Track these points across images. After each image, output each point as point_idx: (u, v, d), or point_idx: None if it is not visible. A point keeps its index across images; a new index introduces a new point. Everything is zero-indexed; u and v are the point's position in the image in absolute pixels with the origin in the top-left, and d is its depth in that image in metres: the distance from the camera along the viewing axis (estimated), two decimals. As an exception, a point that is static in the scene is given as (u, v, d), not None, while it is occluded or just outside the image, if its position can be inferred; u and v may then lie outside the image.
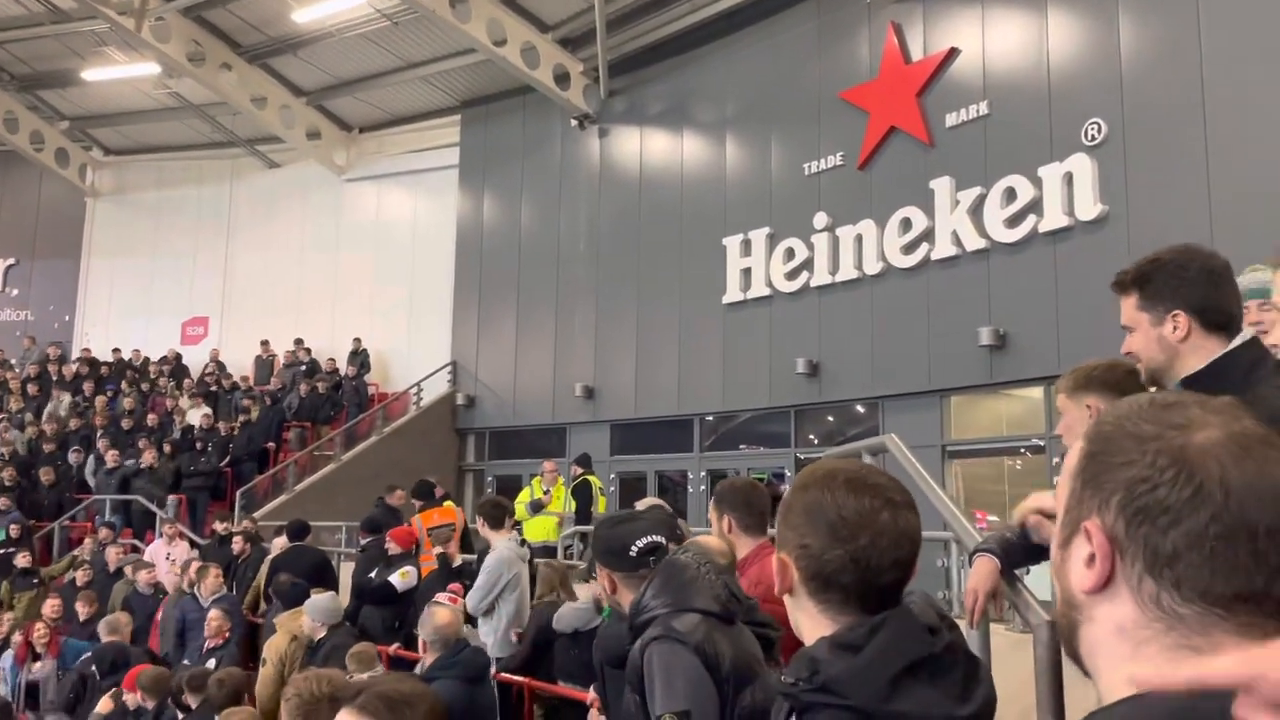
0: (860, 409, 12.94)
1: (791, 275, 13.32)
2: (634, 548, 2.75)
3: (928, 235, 11.89)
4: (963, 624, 2.90)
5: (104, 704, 6.96)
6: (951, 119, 11.91)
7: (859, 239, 12.59)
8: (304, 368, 17.54)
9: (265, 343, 18.39)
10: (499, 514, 6.62)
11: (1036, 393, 11.07)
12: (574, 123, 16.39)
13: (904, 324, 12.00)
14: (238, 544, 9.76)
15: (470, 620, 6.14)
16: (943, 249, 11.73)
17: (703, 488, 14.21)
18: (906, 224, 12.10)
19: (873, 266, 12.40)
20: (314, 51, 17.39)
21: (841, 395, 12.83)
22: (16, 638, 9.71)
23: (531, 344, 16.65)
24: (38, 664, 9.33)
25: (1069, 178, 10.68)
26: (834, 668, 1.37)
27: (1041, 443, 10.96)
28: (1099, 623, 0.87)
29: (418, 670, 4.56)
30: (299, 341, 18.03)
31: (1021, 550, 2.58)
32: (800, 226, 13.23)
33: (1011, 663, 3.61)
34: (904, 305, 12.06)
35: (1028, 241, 11.01)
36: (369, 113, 18.99)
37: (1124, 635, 0.85)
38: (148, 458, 14.02)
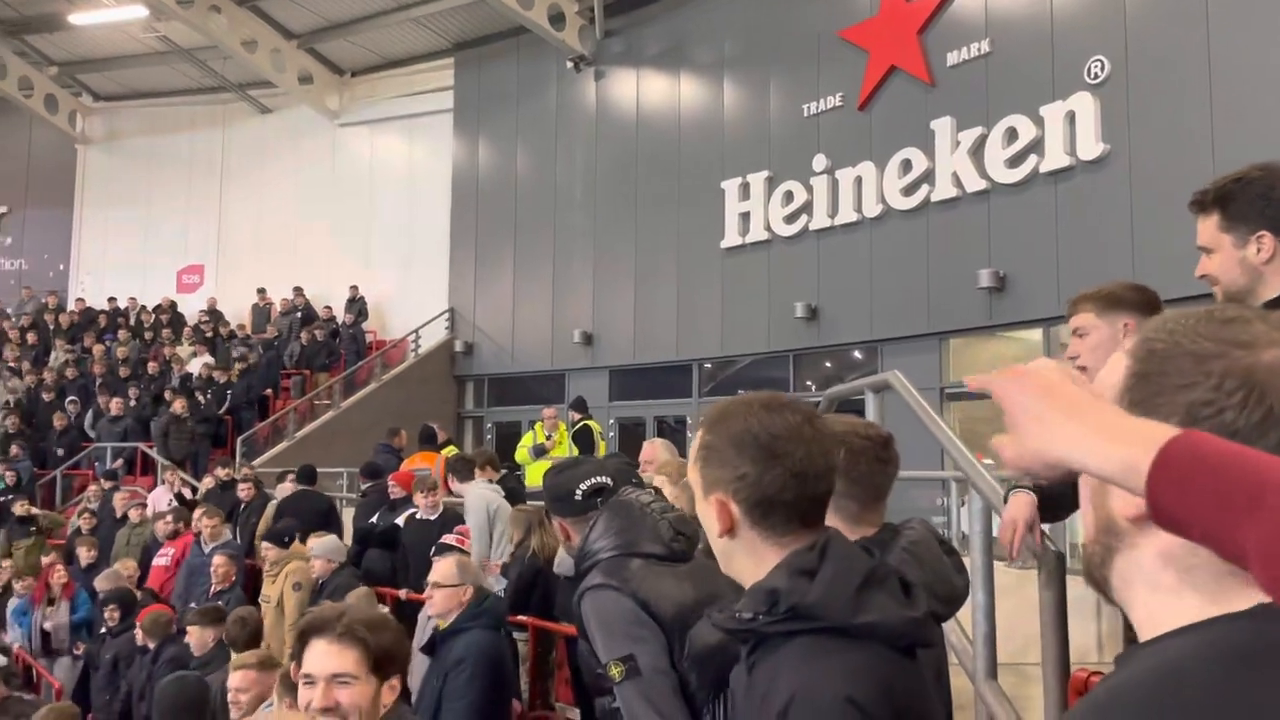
0: (859, 353, 12.95)
1: (790, 219, 13.24)
2: (578, 491, 2.72)
3: (928, 177, 11.80)
4: (998, 563, 2.92)
5: None
6: (953, 57, 11.75)
7: (858, 181, 12.50)
8: (301, 315, 17.49)
9: (262, 290, 18.31)
10: (466, 467, 6.62)
11: (1036, 334, 11.07)
12: (569, 65, 16.16)
13: (903, 267, 11.96)
14: (245, 489, 9.82)
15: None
16: (943, 190, 11.64)
17: (702, 432, 14.26)
18: (906, 165, 12.00)
19: (872, 209, 12.32)
20: (304, -7, 17.10)
21: (840, 339, 12.83)
22: (18, 585, 9.78)
23: (529, 290, 16.60)
24: (51, 608, 9.43)
25: (1071, 117, 10.57)
26: (797, 593, 1.38)
27: (1040, 384, 10.97)
28: (1141, 549, 0.85)
29: (429, 615, 4.56)
30: (297, 289, 17.96)
31: (1053, 498, 2.57)
32: (799, 169, 13.11)
33: (1016, 598, 3.64)
34: (904, 248, 12.00)
35: (1029, 182, 10.93)
36: (361, 56, 18.71)
37: (1170, 562, 0.83)
38: (179, 407, 13.98)
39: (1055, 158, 10.65)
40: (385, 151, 18.85)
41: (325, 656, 2.32)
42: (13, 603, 9.80)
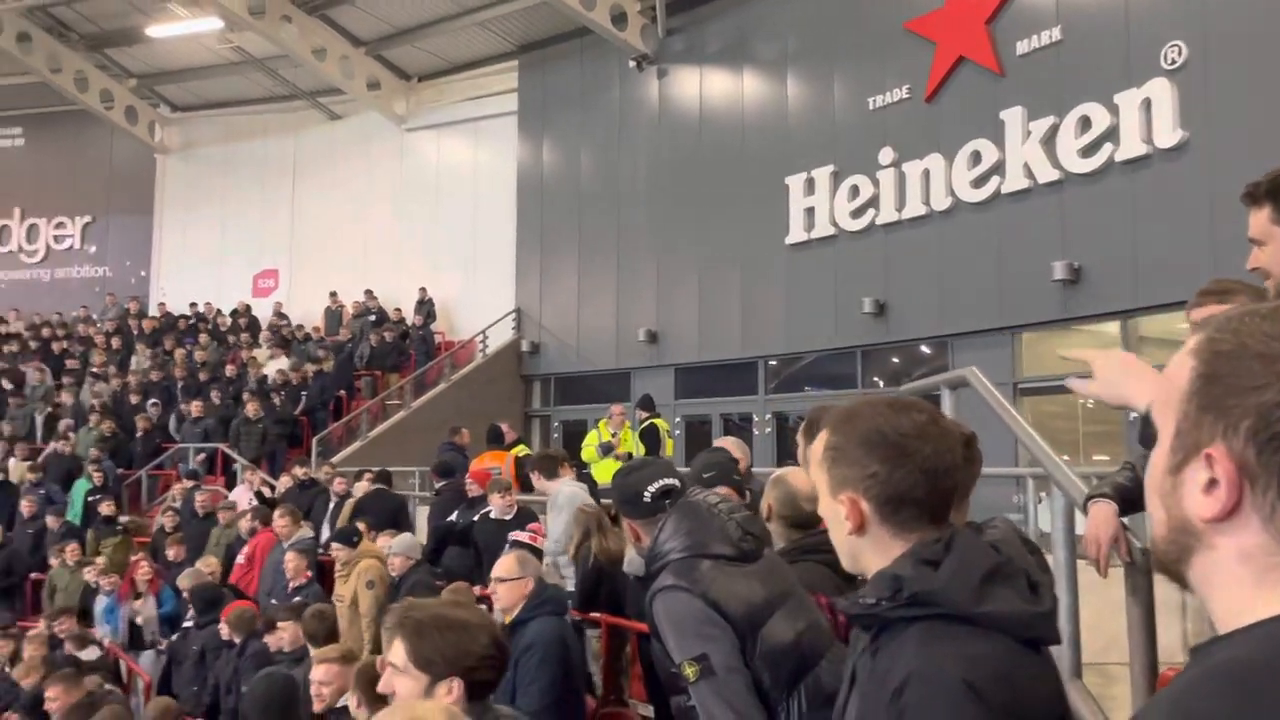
0: (927, 349, 12.78)
1: (857, 213, 13.12)
2: (647, 493, 2.74)
3: (998, 168, 11.60)
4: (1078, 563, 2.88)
5: None
6: (1022, 46, 11.53)
7: (926, 174, 12.33)
8: (373, 317, 17.83)
9: (334, 293, 18.70)
10: (551, 464, 6.70)
11: (1113, 327, 10.82)
12: (632, 64, 16.20)
13: (973, 260, 11.77)
14: (340, 485, 10.11)
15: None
16: (1014, 182, 11.44)
17: (768, 430, 14.22)
18: (976, 157, 11.80)
19: (941, 202, 12.15)
20: (372, 0, 17.39)
21: (909, 334, 12.67)
22: (105, 582, 10.12)
23: (594, 289, 16.69)
24: (138, 601, 9.75)
25: (1147, 104, 10.30)
26: (920, 580, 1.42)
27: (1117, 379, 10.72)
28: (1220, 550, 0.85)
29: (498, 610, 4.66)
30: (368, 292, 18.31)
31: (1136, 494, 2.53)
32: (865, 163, 12.98)
33: (1099, 596, 3.58)
34: (973, 241, 11.82)
35: (1104, 171, 10.68)
36: (427, 61, 18.98)
37: (1249, 562, 0.83)
38: (251, 410, 14.39)
39: (1131, 146, 10.39)
40: (451, 155, 19.10)
41: (392, 646, 2.44)
42: (101, 600, 10.16)
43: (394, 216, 18.95)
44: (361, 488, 9.62)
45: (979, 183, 11.77)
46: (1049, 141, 11.13)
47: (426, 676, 2.39)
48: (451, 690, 2.41)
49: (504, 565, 4.56)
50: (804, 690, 2.51)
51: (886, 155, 12.75)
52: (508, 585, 4.48)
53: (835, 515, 1.54)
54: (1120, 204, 10.50)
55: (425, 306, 17.78)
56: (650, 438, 10.56)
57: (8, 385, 16.89)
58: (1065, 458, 3.08)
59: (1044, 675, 1.45)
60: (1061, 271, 10.77)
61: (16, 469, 13.82)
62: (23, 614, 11.05)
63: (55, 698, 6.46)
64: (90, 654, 8.53)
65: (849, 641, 1.70)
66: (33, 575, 11.52)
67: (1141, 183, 10.39)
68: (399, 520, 8.82)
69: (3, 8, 18.16)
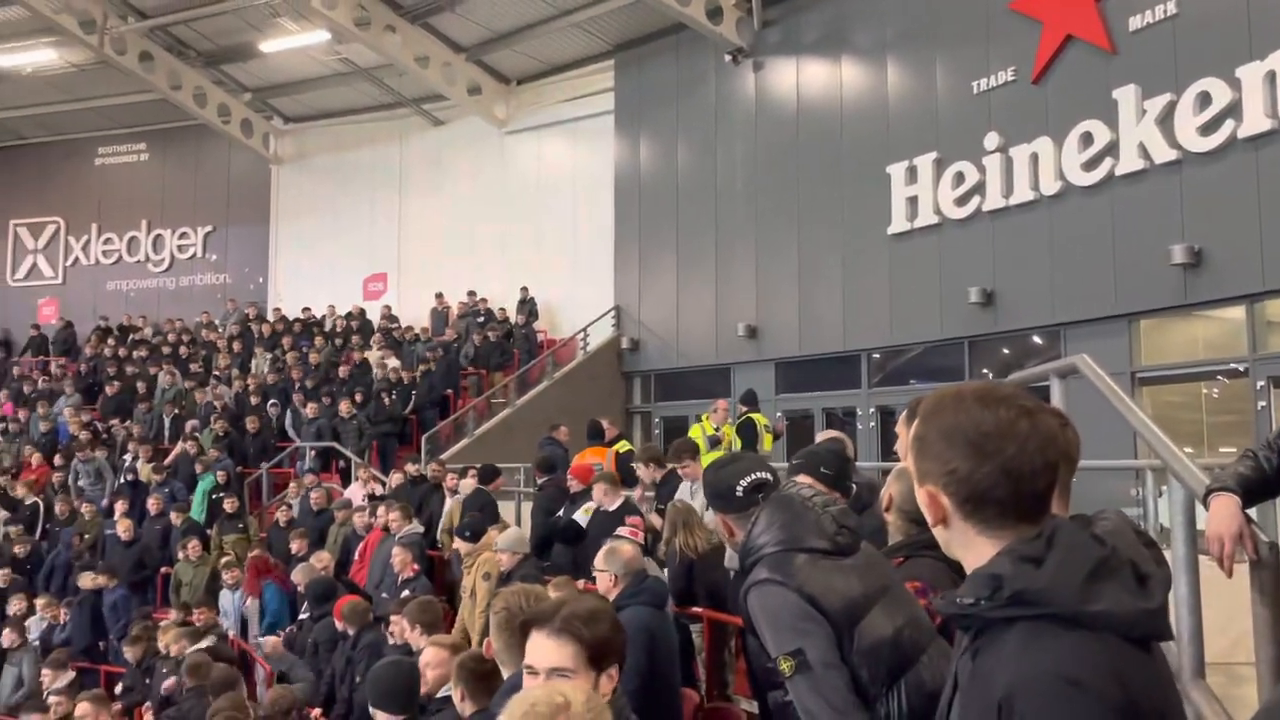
0: (1039, 339, 12.38)
1: (961, 201, 12.80)
2: (739, 487, 2.72)
3: (1111, 149, 11.16)
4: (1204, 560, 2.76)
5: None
6: (1135, 22, 11.07)
7: (1034, 158, 11.95)
8: (478, 318, 18.21)
9: (439, 295, 19.15)
10: (678, 458, 6.75)
11: (1237, 312, 10.30)
12: (728, 58, 16.14)
13: (1086, 246, 11.36)
14: (451, 481, 10.39)
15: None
16: (1128, 163, 10.99)
17: (872, 424, 13.99)
18: (1087, 139, 11.39)
19: (1050, 186, 11.76)
20: (471, 6, 17.73)
21: (1019, 324, 12.31)
22: (228, 575, 10.59)
23: (693, 285, 16.69)
24: (249, 600, 10.18)
25: (1271, 77, 9.78)
26: (1021, 579, 1.35)
27: (1243, 367, 10.21)
28: None
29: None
30: (471, 293, 18.71)
31: (1261, 484, 2.41)
32: (970, 149, 12.65)
33: (1222, 592, 3.42)
34: (1086, 226, 11.40)
35: (1225, 149, 10.18)
36: (526, 64, 19.26)
37: None
38: (344, 408, 14.92)
39: (1255, 122, 9.87)
40: (550, 156, 19.34)
41: (545, 650, 2.40)
42: (224, 592, 10.64)
43: (496, 218, 19.28)
44: (467, 484, 9.83)
45: (1091, 165, 11.35)
46: (1165, 120, 10.65)
47: (594, 672, 2.39)
48: (613, 677, 2.45)
49: (597, 559, 4.89)
50: (904, 687, 2.46)
51: (992, 140, 12.40)
52: (598, 576, 4.79)
53: (922, 504, 1.50)
54: (1243, 183, 9.99)
55: (527, 306, 18.07)
56: (747, 432, 10.51)
57: (136, 389, 17.80)
58: (1188, 450, 2.94)
59: (1156, 675, 1.37)
60: (1181, 255, 10.31)
61: (144, 469, 14.57)
62: (154, 605, 11.64)
63: (84, 715, 6.89)
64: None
65: (953, 639, 1.65)
66: (162, 569, 12.12)
67: (1266, 160, 9.86)
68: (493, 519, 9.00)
69: (126, 29, 19.13)
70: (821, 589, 2.47)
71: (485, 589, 7.14)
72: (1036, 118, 11.95)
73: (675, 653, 4.81)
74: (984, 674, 1.37)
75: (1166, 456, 2.76)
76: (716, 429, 10.39)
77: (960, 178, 12.79)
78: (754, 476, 2.73)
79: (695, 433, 10.46)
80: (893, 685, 2.45)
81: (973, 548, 1.45)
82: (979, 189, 12.59)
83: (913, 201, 13.40)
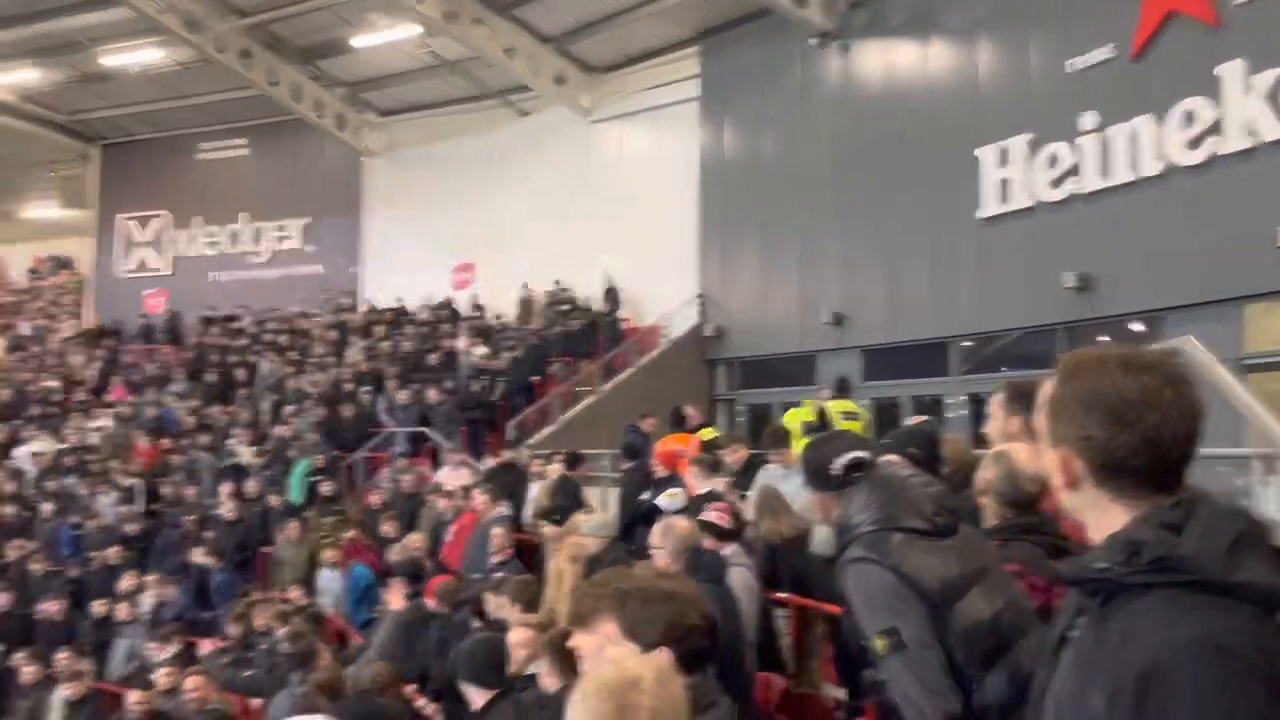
0: (1138, 325, 11.99)
1: (1056, 183, 12.45)
2: (835, 466, 2.72)
3: (1215, 128, 10.73)
4: None
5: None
6: (1243, -7, 10.61)
7: (1133, 138, 11.55)
8: (563, 306, 18.41)
9: (525, 284, 19.41)
10: (778, 442, 6.76)
11: (1354, 297, 9.82)
12: (813, 42, 15.95)
13: (1190, 227, 10.94)
14: (537, 466, 10.58)
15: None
16: (1234, 141, 10.55)
17: (962, 412, 13.73)
18: (1189, 117, 10.96)
19: (1150, 167, 11.36)
20: (556, -3, 17.90)
21: (1117, 310, 11.93)
22: (325, 555, 10.94)
23: (777, 272, 16.58)
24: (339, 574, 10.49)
25: (1394, 47, 9.27)
26: (1164, 545, 1.33)
27: (1360, 352, 9.74)
28: None
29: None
30: (557, 281, 18.91)
31: None
32: (1064, 129, 12.29)
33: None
34: (1189, 207, 10.98)
35: (1342, 125, 9.69)
36: (610, 53, 19.33)
37: None
38: (433, 395, 15.27)
39: (1375, 95, 9.38)
40: (634, 144, 19.40)
41: (595, 618, 2.47)
42: (322, 572, 10.99)
43: (581, 207, 19.43)
44: (554, 470, 9.98)
45: (1194, 144, 10.93)
46: (1275, 96, 10.19)
47: (636, 647, 2.47)
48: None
49: (652, 535, 4.93)
50: (1002, 669, 2.44)
51: (1088, 120, 12.02)
52: (654, 553, 4.81)
53: (1052, 467, 1.49)
54: (1362, 160, 9.50)
55: (612, 294, 18.19)
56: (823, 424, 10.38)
57: (237, 376, 18.49)
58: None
59: None
60: (1291, 236, 9.87)
61: (245, 453, 15.14)
62: (255, 584, 12.09)
63: (194, 689, 7.29)
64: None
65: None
66: (262, 549, 12.58)
67: (1388, 135, 9.37)
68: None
69: (226, 27, 19.79)
70: (917, 569, 2.46)
71: (572, 572, 7.25)
72: (1136, 96, 11.54)
73: (740, 628, 4.83)
74: (1116, 641, 1.35)
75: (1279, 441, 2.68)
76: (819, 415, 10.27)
77: (1054, 159, 12.44)
78: (850, 455, 2.73)
79: (794, 416, 10.37)
80: (990, 668, 2.44)
81: (1105, 514, 1.43)
82: (1074, 170, 12.23)
83: (1004, 184, 13.09)
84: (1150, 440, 1.38)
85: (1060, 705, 1.44)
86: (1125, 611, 1.35)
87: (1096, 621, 1.40)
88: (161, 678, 8.55)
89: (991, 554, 2.64)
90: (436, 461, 14.33)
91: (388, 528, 10.92)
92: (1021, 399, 3.34)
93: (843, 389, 10.74)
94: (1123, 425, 1.39)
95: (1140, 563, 1.33)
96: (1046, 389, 1.51)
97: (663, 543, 4.79)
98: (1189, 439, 1.40)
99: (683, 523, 5.10)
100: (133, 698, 7.76)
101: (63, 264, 29.39)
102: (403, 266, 21.68)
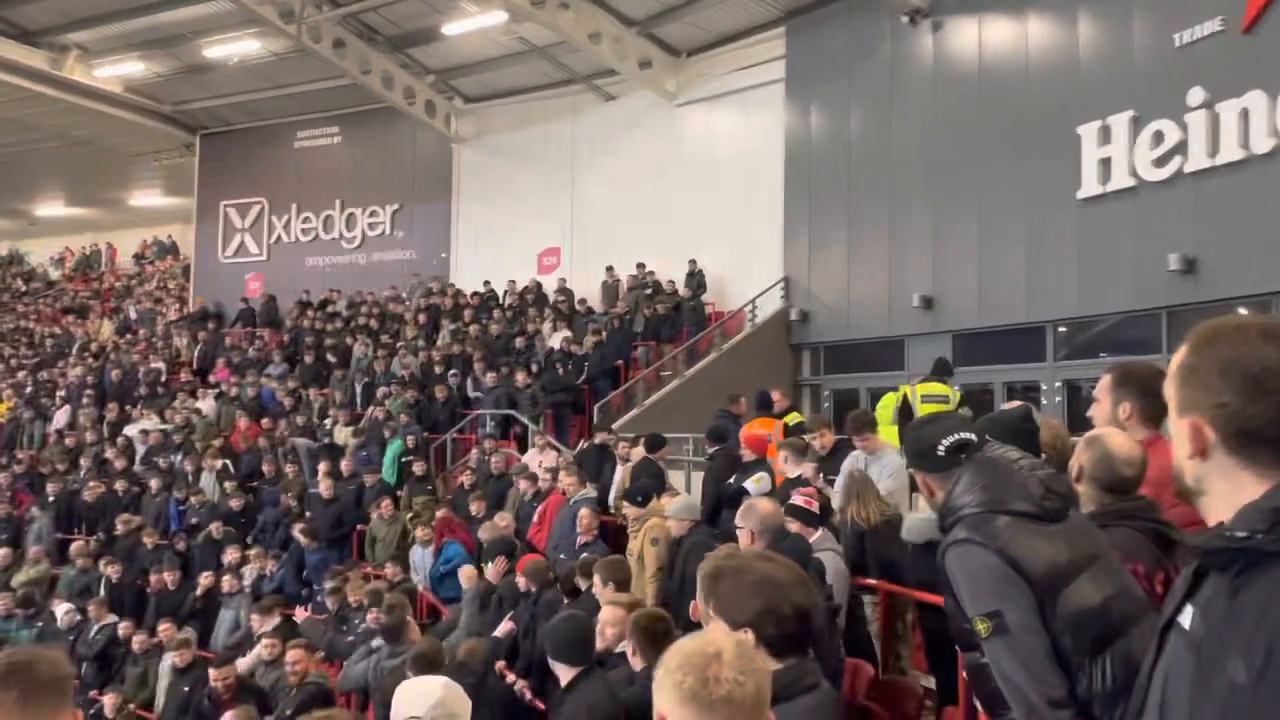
0: (1245, 309, 11.50)
1: (1160, 161, 12.00)
2: (941, 447, 2.66)
3: (1335, 102, 10.20)
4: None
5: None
6: (1367, -41, 10.05)
7: (1244, 114, 11.07)
8: (647, 290, 18.43)
9: (610, 268, 19.49)
10: (873, 426, 6.71)
11: None
12: (904, 19, 15.63)
13: (1304, 207, 10.45)
14: (622, 448, 10.69)
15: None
16: (1355, 116, 10.02)
17: (1058, 399, 13.38)
18: (1306, 91, 10.45)
19: (1262, 144, 10.87)
20: (641, -22, 17.87)
21: (1224, 293, 11.46)
22: (417, 533, 11.20)
23: (864, 255, 16.34)
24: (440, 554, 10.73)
25: None
26: None
27: None
28: None
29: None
30: (641, 265, 18.94)
31: None
32: (1170, 106, 11.83)
33: None
34: (1304, 186, 10.48)
35: None
36: (695, 35, 19.23)
37: None
38: (520, 378, 15.49)
39: None
40: (720, 127, 19.28)
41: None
42: (414, 549, 11.27)
43: (665, 191, 19.41)
44: (637, 453, 10.04)
45: (1310, 119, 10.42)
46: (1402, 66, 9.65)
47: (725, 623, 2.51)
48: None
49: (737, 515, 5.02)
50: (1110, 658, 2.38)
51: (1196, 96, 11.55)
52: (739, 533, 4.92)
53: (1179, 434, 1.46)
54: None
55: (696, 278, 18.14)
56: (904, 412, 10.18)
57: (332, 359, 19.01)
58: None
59: None
60: None
61: (341, 433, 15.56)
62: (351, 560, 12.44)
63: (295, 660, 7.61)
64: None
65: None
66: (357, 527, 12.94)
67: None
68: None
69: (320, 17, 20.25)
70: (1023, 552, 2.41)
71: (653, 553, 7.31)
72: (1246, 71, 11.04)
73: (827, 614, 4.84)
74: (1253, 612, 1.31)
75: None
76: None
77: (1159, 137, 11.99)
78: (956, 437, 2.69)
79: (890, 401, 10.21)
80: (1097, 656, 2.38)
81: (1234, 483, 1.40)
82: (1180, 149, 11.77)
83: (1106, 163, 12.66)
84: None
85: (1175, 689, 1.40)
86: (1265, 580, 1.31)
87: (1228, 595, 1.36)
88: (264, 648, 8.90)
89: (1102, 541, 2.57)
90: (523, 444, 14.53)
91: (476, 507, 11.12)
92: (1132, 383, 3.24)
93: (939, 370, 10.46)
94: (1262, 393, 1.36)
95: None
96: (1177, 357, 1.50)
97: (745, 522, 4.83)
98: None
99: (765, 503, 5.14)
100: (214, 675, 8.07)
101: (169, 249, 30.64)
102: (490, 251, 21.98)
